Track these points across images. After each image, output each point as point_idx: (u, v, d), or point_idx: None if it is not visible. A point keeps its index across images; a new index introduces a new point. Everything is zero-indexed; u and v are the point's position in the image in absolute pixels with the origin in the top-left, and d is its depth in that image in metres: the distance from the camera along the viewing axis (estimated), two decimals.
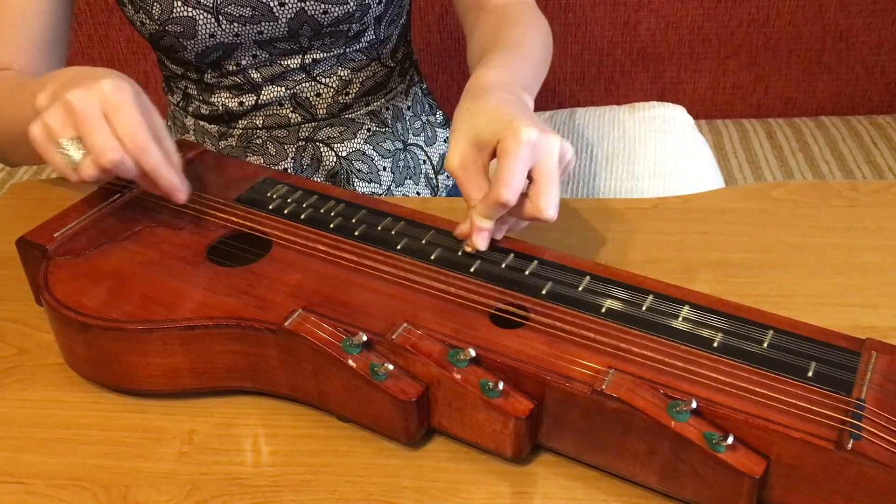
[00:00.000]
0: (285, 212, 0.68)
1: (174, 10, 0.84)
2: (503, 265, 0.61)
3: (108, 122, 0.61)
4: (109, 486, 0.55)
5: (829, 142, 2.04)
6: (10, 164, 0.88)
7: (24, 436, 0.59)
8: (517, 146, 0.59)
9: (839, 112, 2.15)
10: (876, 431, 0.46)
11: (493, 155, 0.62)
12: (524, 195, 0.60)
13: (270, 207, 0.68)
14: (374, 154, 0.95)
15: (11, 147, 0.80)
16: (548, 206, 0.60)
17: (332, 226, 0.66)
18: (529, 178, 0.60)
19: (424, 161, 0.99)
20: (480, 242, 0.62)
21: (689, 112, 1.23)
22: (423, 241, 0.63)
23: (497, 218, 0.61)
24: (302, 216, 0.67)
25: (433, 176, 1.00)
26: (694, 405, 0.48)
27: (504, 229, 0.64)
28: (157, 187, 0.65)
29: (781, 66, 2.08)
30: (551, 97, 2.13)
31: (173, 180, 0.64)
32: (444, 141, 1.03)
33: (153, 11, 0.85)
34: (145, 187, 0.66)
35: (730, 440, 0.47)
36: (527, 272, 0.60)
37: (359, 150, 0.94)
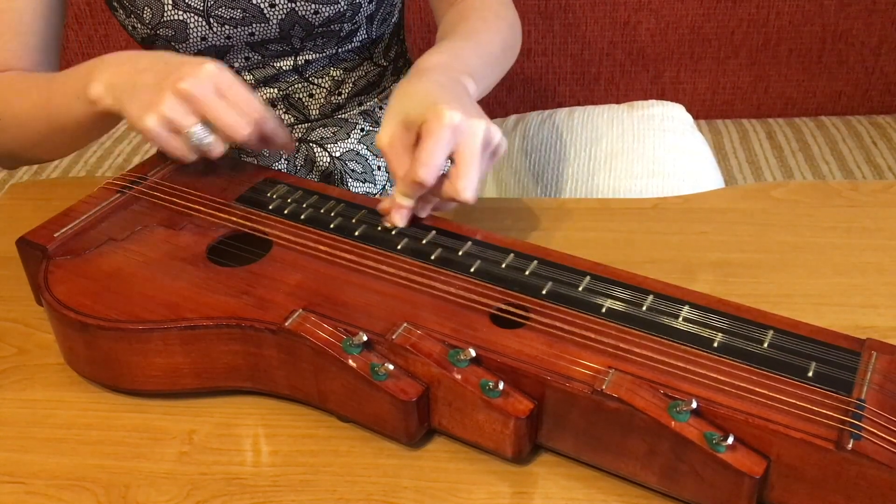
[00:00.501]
0: (285, 212, 0.68)
1: (165, 14, 0.84)
2: (503, 265, 0.61)
3: (227, 101, 0.66)
4: (109, 486, 0.55)
5: (829, 142, 2.03)
6: (29, 162, 0.88)
7: (24, 436, 0.59)
8: (438, 128, 0.61)
9: (839, 112, 2.15)
10: (876, 431, 0.46)
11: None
12: (444, 176, 0.62)
13: (270, 207, 0.68)
14: (369, 154, 0.95)
15: (48, 139, 0.80)
16: (465, 187, 0.61)
17: (332, 226, 0.66)
18: (452, 160, 0.62)
19: None
20: (399, 219, 0.64)
21: (689, 112, 1.23)
22: (423, 242, 0.63)
23: (417, 196, 0.63)
24: (302, 216, 0.67)
25: None
26: (694, 405, 0.48)
27: (428, 208, 0.66)
28: (273, 145, 0.71)
29: (781, 66, 2.08)
30: (551, 97, 2.13)
31: (287, 136, 0.71)
32: None
33: (144, 15, 0.85)
34: (255, 148, 0.70)
35: (730, 440, 0.47)
36: (527, 272, 0.60)
37: (353, 150, 0.94)
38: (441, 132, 0.61)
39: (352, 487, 0.54)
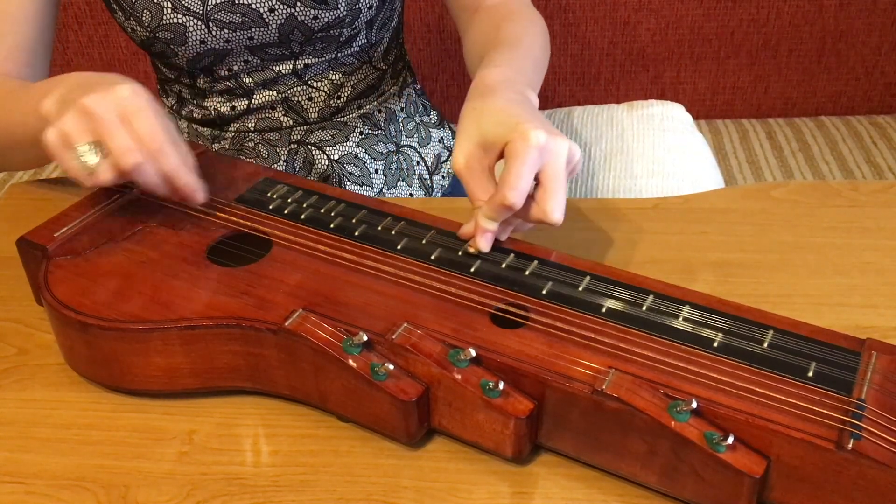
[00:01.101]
0: (285, 212, 0.68)
1: (164, 17, 0.84)
2: (503, 265, 0.61)
3: (127, 127, 0.62)
4: (109, 486, 0.55)
5: (829, 142, 2.03)
6: (2, 169, 0.88)
7: (24, 436, 0.59)
8: (525, 149, 0.59)
9: (839, 112, 2.15)
10: (876, 431, 0.46)
11: (500, 156, 0.62)
12: (530, 197, 0.60)
13: (270, 207, 0.68)
14: (366, 157, 0.95)
15: (8, 152, 0.79)
16: (554, 209, 0.59)
17: (332, 226, 0.66)
18: (536, 180, 0.60)
19: (418, 162, 0.99)
20: (484, 244, 0.61)
21: (689, 112, 1.23)
22: (424, 241, 0.63)
23: (502, 220, 0.61)
24: (302, 216, 0.67)
25: (427, 177, 1.00)
26: (694, 405, 0.48)
27: (508, 230, 0.64)
28: (175, 190, 0.65)
29: (781, 66, 2.08)
30: (551, 97, 2.13)
31: (191, 181, 0.65)
32: (439, 141, 1.03)
33: (143, 18, 0.85)
34: (161, 192, 0.65)
35: (730, 440, 0.47)
36: (527, 272, 0.60)
37: (351, 153, 0.94)
38: (528, 153, 0.58)
39: (352, 487, 0.54)
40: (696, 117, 1.47)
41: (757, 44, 2.04)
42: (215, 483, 0.55)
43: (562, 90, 2.13)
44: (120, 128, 0.61)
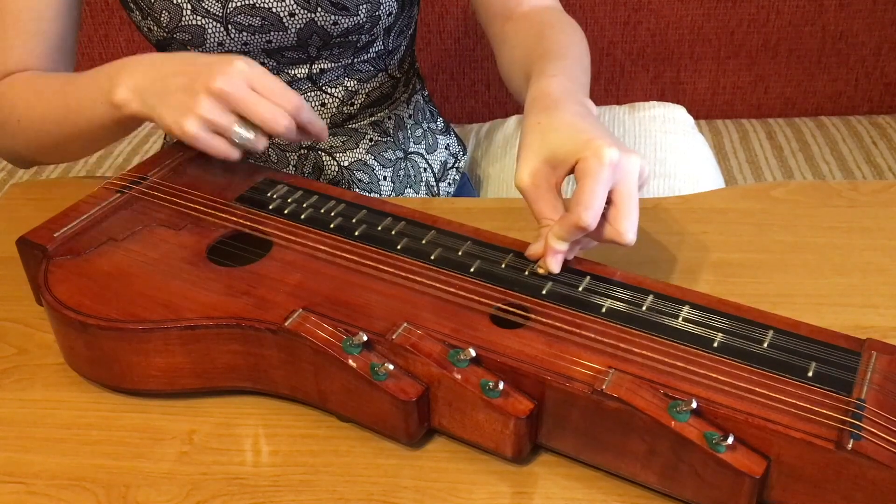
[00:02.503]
0: (285, 212, 0.68)
1: (183, 19, 0.84)
2: (503, 265, 0.61)
3: (262, 95, 0.66)
4: (109, 486, 0.55)
5: (829, 142, 2.03)
6: (47, 162, 0.88)
7: (24, 436, 0.59)
8: (599, 168, 0.56)
9: (839, 112, 2.15)
10: (876, 431, 0.46)
11: (569, 173, 0.60)
12: (603, 216, 0.58)
13: (270, 207, 0.68)
14: (376, 164, 0.95)
15: (66, 144, 0.80)
16: (628, 229, 0.57)
17: (332, 226, 0.66)
18: (608, 198, 0.58)
19: (425, 169, 0.99)
20: (554, 265, 0.59)
21: (689, 112, 1.23)
22: (424, 242, 0.63)
23: (573, 240, 0.59)
24: (302, 216, 0.67)
25: (434, 183, 1.00)
26: (694, 405, 0.48)
27: (577, 250, 0.61)
28: (308, 134, 0.71)
29: (781, 66, 2.08)
30: None
31: (322, 123, 0.71)
32: (445, 148, 1.02)
33: (162, 19, 0.84)
34: (293, 139, 0.70)
35: (730, 440, 0.47)
36: (526, 272, 0.60)
37: (360, 159, 0.94)
38: (602, 172, 0.56)
39: (352, 487, 0.54)
40: (696, 117, 1.47)
41: (757, 44, 2.04)
42: (215, 483, 0.55)
43: None
44: (258, 99, 0.66)
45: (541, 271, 0.60)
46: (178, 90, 0.67)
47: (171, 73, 0.68)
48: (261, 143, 0.68)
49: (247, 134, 0.67)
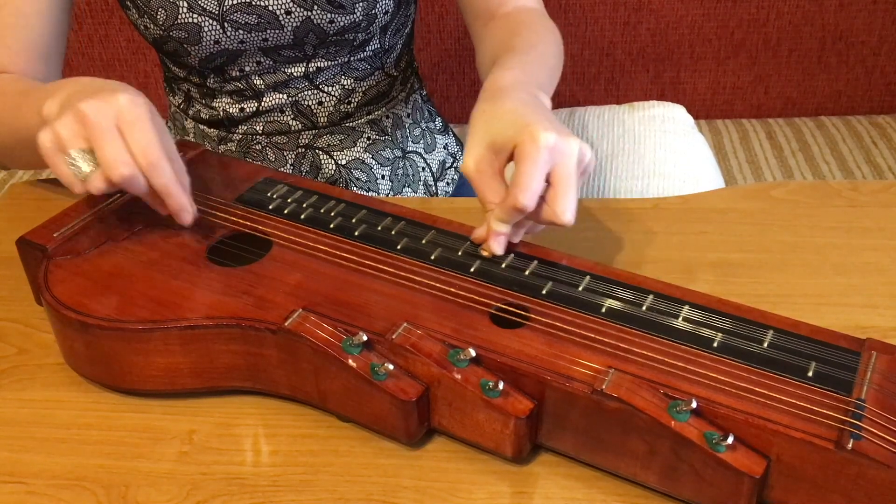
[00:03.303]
0: (285, 212, 0.68)
1: (179, 17, 0.84)
2: (503, 265, 0.61)
3: (122, 137, 0.60)
4: (109, 486, 0.55)
5: (829, 142, 2.03)
6: (8, 167, 0.88)
7: (24, 436, 0.59)
8: (535, 150, 0.58)
9: (839, 112, 2.15)
10: (876, 431, 0.46)
11: (510, 158, 0.61)
12: (541, 199, 0.59)
13: (270, 207, 0.68)
14: (374, 162, 0.95)
15: (13, 151, 0.79)
16: (565, 210, 0.59)
17: (332, 226, 0.66)
18: (547, 181, 0.59)
19: (423, 168, 0.99)
20: (497, 247, 0.61)
21: (689, 112, 1.23)
22: (424, 241, 0.63)
23: (514, 222, 0.61)
24: (302, 216, 0.67)
25: (432, 183, 1.00)
26: (694, 405, 0.48)
27: (521, 233, 0.63)
28: (165, 206, 0.64)
29: (781, 66, 2.08)
30: (552, 97, 2.13)
31: (182, 200, 0.63)
32: (444, 147, 1.02)
33: (158, 17, 0.84)
34: (151, 204, 0.65)
35: (730, 440, 0.47)
36: (527, 272, 0.60)
37: (358, 158, 0.94)
38: (538, 154, 0.58)
39: (352, 487, 0.54)
40: (696, 117, 1.47)
41: (757, 44, 2.04)
42: (215, 483, 0.55)
43: (562, 90, 2.13)
44: (115, 137, 0.60)
45: (485, 254, 0.62)
46: (66, 105, 0.63)
47: (81, 89, 0.65)
48: (95, 183, 0.61)
49: (81, 163, 0.61)
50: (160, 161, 0.61)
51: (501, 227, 0.61)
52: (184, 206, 0.64)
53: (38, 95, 0.70)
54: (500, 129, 0.61)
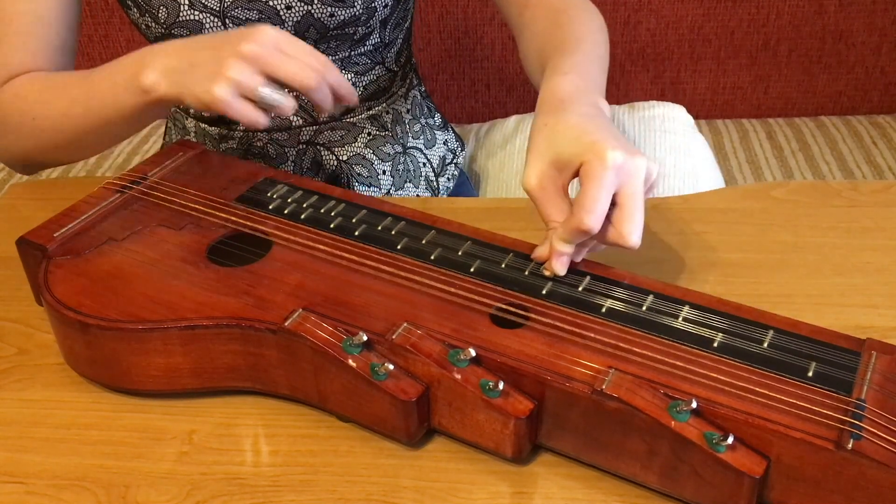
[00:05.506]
0: (285, 212, 0.68)
1: (180, 14, 0.84)
2: (503, 265, 0.61)
3: (289, 55, 0.66)
4: (109, 486, 0.55)
5: (829, 142, 2.03)
6: (57, 162, 0.87)
7: (24, 436, 0.59)
8: (602, 170, 0.56)
9: (839, 112, 2.15)
10: (876, 431, 0.46)
11: (574, 175, 0.60)
12: (606, 219, 0.58)
13: (270, 207, 0.68)
14: (374, 158, 0.95)
15: (84, 137, 0.79)
16: (631, 232, 0.57)
17: (332, 226, 0.66)
18: (613, 200, 0.58)
19: (424, 164, 0.99)
20: (560, 267, 0.59)
21: (689, 112, 1.23)
22: (424, 242, 0.63)
23: (578, 242, 0.59)
24: (302, 216, 0.67)
25: (433, 178, 1.00)
26: (694, 405, 0.49)
27: (584, 252, 0.61)
28: (339, 98, 0.70)
29: (781, 66, 2.08)
30: None
31: (350, 86, 0.71)
32: (444, 143, 1.03)
33: (159, 15, 0.84)
34: (323, 102, 0.69)
35: (730, 440, 0.48)
36: (527, 272, 0.60)
37: (359, 153, 0.94)
38: (605, 174, 0.56)
39: (352, 487, 0.54)
40: (696, 117, 1.47)
41: (757, 44, 2.04)
42: (215, 483, 0.55)
43: None
44: (288, 57, 0.66)
45: (546, 273, 0.60)
46: (206, 62, 0.66)
47: (199, 48, 0.68)
48: (289, 105, 0.67)
49: (275, 94, 0.66)
50: (327, 60, 0.69)
51: (564, 248, 0.58)
52: (352, 90, 0.72)
53: (116, 73, 0.72)
54: (563, 146, 0.60)
